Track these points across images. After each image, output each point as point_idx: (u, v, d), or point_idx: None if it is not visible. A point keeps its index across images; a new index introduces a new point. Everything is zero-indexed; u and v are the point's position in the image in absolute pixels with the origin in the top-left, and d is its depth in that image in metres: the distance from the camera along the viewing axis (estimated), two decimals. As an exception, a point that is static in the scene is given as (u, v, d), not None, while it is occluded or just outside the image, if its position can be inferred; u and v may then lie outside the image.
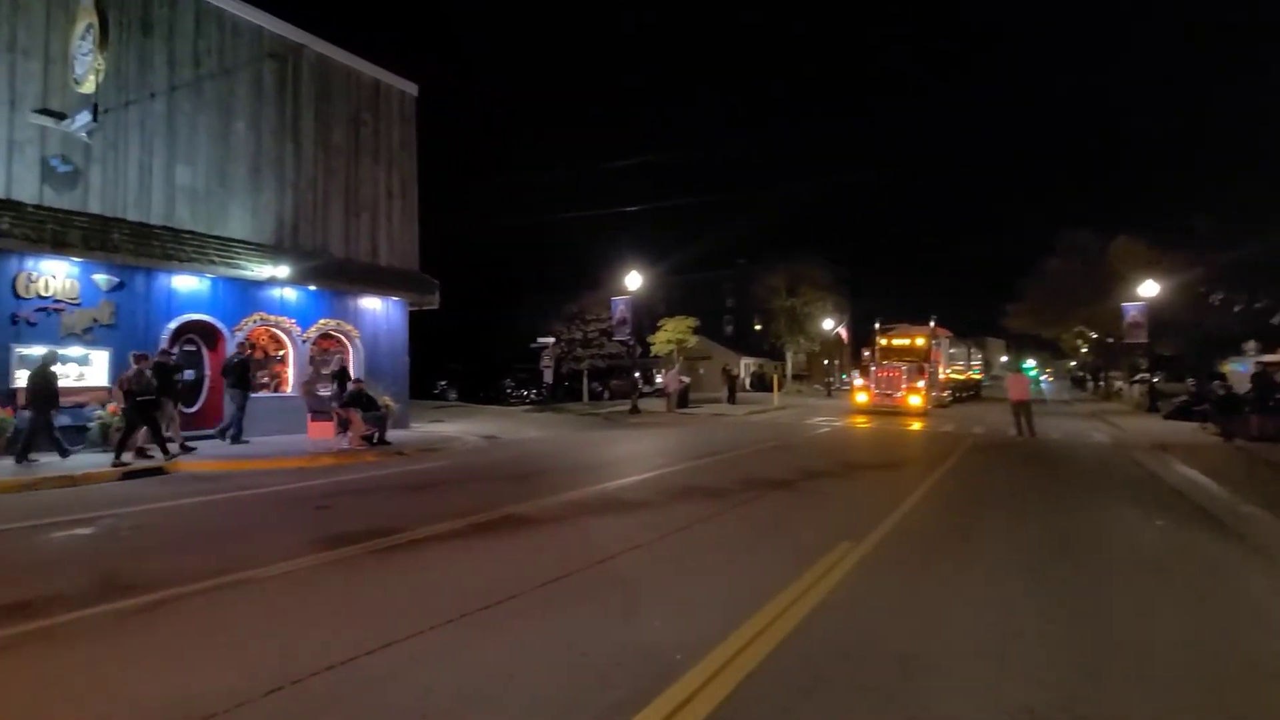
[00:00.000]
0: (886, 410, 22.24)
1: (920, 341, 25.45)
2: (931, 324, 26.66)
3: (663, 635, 3.63)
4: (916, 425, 18.77)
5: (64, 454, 9.31)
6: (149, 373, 9.46)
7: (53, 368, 9.27)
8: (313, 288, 14.13)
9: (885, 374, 23.02)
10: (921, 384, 21.91)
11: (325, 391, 12.65)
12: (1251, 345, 24.11)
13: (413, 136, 16.71)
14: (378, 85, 15.87)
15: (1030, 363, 31.90)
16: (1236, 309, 26.36)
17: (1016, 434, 15.50)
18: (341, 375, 12.57)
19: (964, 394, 33.26)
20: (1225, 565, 5.29)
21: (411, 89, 16.68)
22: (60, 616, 3.77)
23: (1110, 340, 31.49)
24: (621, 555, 5.20)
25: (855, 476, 9.60)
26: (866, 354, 25.72)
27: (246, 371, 11.78)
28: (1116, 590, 4.62)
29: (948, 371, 28.74)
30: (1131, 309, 24.33)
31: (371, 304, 15.52)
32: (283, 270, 13.02)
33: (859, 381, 24.47)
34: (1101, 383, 40.54)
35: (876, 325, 27.94)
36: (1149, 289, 24.11)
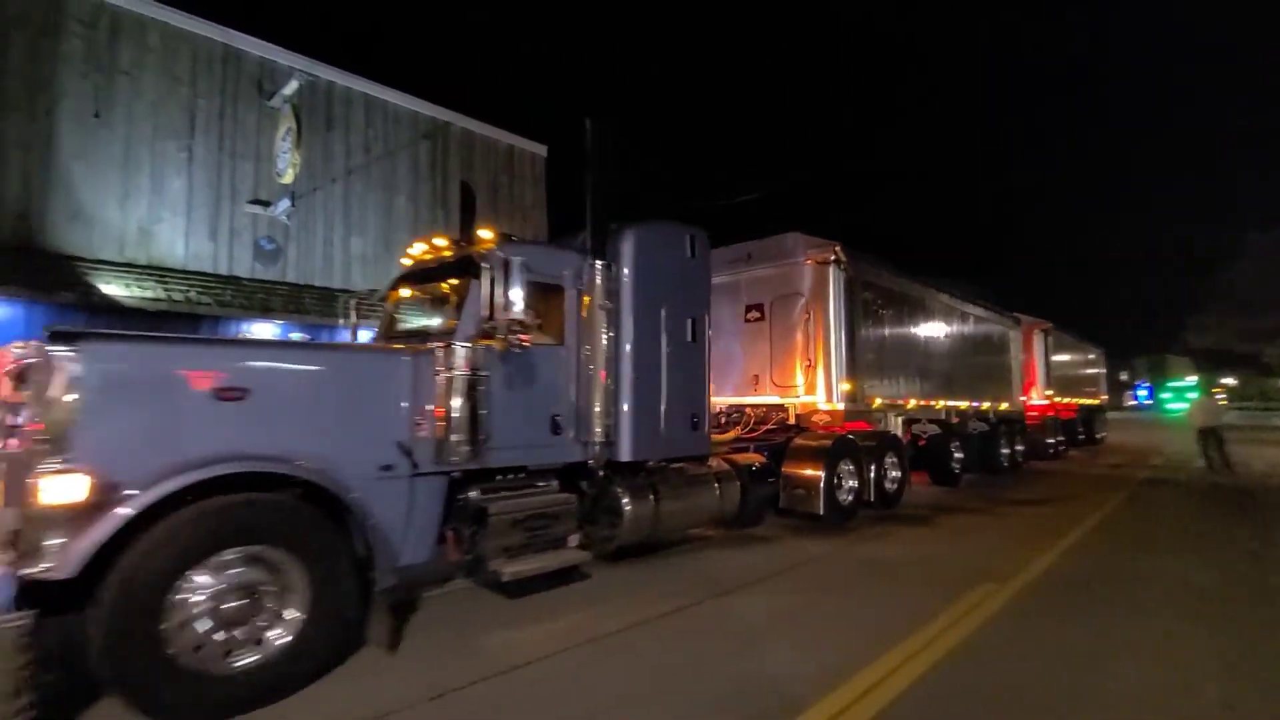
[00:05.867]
0: None
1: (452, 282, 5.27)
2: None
3: (786, 669, 3.72)
4: None
5: None
6: None
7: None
8: (459, 336, 15.68)
9: None
10: None
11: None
12: None
13: (543, 194, 18.19)
14: (511, 150, 17.54)
15: (1188, 381, 26.42)
16: None
17: (1207, 466, 13.48)
18: None
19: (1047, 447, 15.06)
20: None
21: (541, 150, 18.22)
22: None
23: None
24: (743, 588, 5.29)
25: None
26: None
27: None
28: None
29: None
30: (1359, 316, 20.40)
31: (509, 348, 16.87)
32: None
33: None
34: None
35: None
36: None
